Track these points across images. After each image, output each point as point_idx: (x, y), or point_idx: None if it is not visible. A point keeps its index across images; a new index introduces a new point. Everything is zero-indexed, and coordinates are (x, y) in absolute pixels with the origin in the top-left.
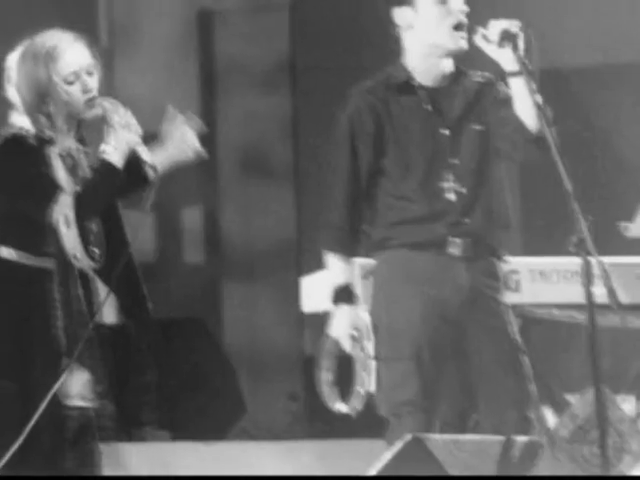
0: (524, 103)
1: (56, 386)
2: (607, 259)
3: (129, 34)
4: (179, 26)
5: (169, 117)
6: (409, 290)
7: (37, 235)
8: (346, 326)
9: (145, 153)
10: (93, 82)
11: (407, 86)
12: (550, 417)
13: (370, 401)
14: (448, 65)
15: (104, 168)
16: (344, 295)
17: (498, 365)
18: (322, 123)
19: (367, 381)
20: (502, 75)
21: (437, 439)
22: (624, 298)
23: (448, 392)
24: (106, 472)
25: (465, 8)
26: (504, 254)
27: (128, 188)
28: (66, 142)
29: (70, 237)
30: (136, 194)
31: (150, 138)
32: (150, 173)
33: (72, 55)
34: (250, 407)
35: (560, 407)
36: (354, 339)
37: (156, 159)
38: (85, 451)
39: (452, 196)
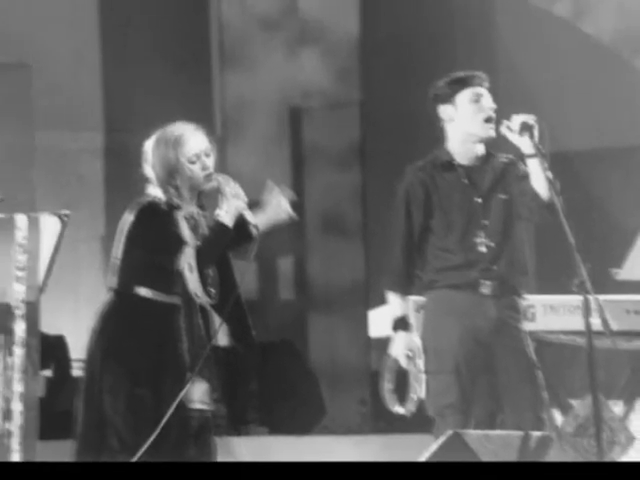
0: (538, 178)
1: (182, 394)
2: (602, 297)
3: (237, 126)
4: (275, 120)
5: (268, 189)
6: (450, 321)
7: (168, 278)
8: (403, 348)
9: (250, 216)
10: (210, 162)
11: (449, 165)
12: (558, 417)
13: (421, 405)
14: (480, 149)
15: (218, 227)
16: (401, 324)
17: (519, 377)
18: (385, 193)
19: (419, 389)
20: (521, 157)
21: (472, 434)
22: (614, 326)
23: (480, 398)
24: (219, 459)
25: (493, 105)
26: (523, 293)
27: (237, 243)
28: (190, 208)
29: (193, 280)
30: (243, 247)
31: (254, 205)
32: (253, 231)
33: (194, 141)
34: (329, 410)
35: (565, 409)
36: (409, 358)
37: (258, 220)
38: (204, 443)
39: (483, 249)
